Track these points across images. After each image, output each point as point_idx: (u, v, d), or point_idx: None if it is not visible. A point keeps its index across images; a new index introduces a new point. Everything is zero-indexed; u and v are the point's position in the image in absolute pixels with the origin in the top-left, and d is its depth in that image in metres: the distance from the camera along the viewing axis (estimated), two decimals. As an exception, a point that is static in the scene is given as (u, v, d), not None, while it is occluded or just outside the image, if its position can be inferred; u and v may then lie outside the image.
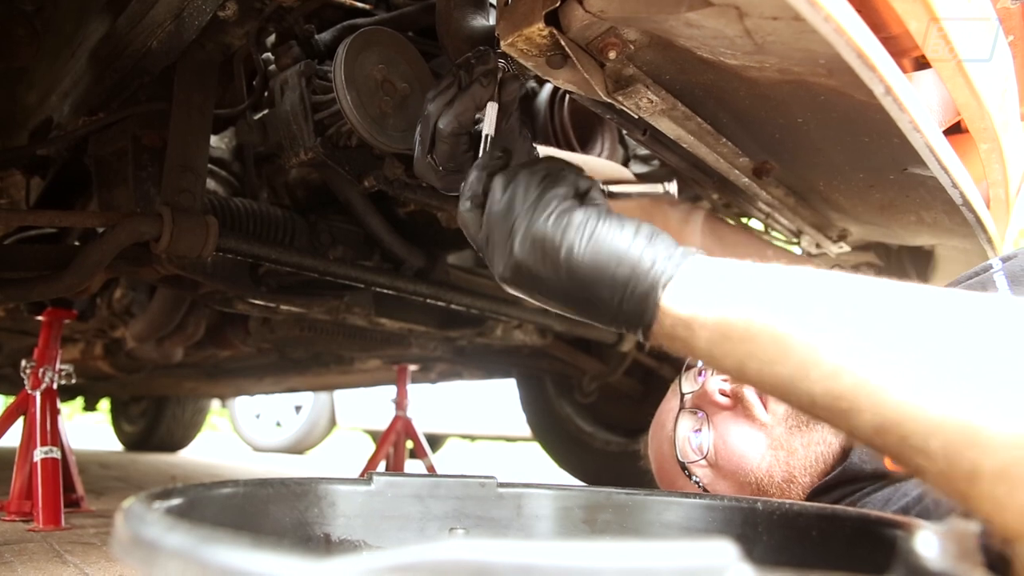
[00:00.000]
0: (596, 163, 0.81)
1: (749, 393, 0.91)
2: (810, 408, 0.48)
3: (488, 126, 0.73)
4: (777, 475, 0.88)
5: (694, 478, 0.93)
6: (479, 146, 0.73)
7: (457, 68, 0.74)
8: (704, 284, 0.54)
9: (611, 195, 0.78)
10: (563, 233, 0.59)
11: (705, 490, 0.92)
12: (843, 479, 0.85)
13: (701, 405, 0.96)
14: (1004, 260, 0.84)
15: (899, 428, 0.42)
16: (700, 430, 0.94)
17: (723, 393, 0.93)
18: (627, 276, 0.57)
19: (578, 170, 0.65)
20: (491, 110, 0.73)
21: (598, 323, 0.62)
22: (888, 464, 0.80)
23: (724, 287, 0.53)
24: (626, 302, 0.57)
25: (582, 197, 0.63)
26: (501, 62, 0.74)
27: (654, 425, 1.04)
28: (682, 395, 0.98)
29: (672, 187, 0.80)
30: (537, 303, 0.65)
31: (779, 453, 0.89)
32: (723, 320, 0.52)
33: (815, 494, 0.87)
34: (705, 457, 0.92)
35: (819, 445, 0.88)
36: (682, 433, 0.95)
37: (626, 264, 0.57)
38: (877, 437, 0.44)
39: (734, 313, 0.51)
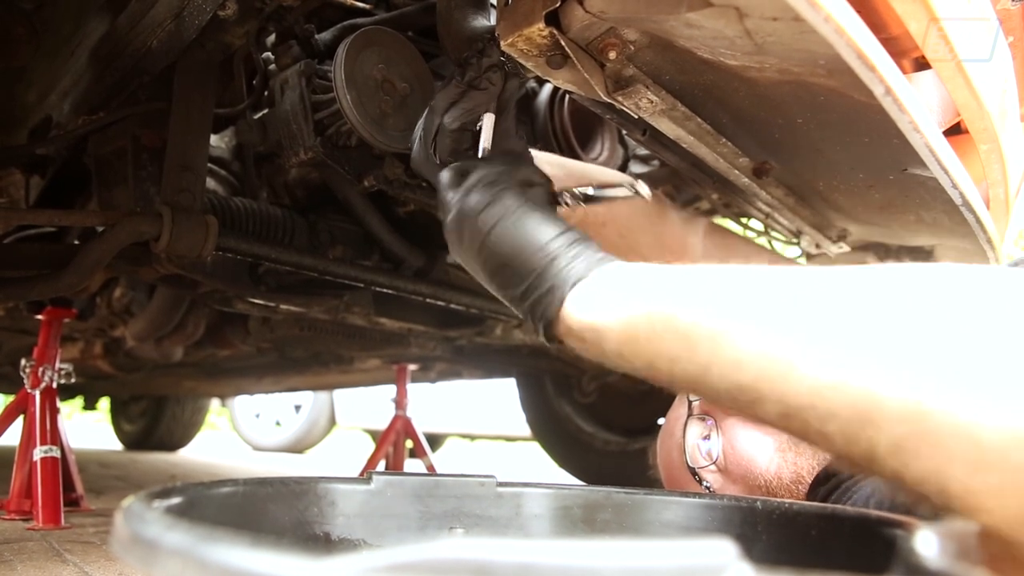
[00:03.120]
0: (594, 170, 0.81)
1: None
2: (720, 401, 0.49)
3: (485, 139, 0.73)
4: (786, 476, 0.89)
5: (705, 484, 0.94)
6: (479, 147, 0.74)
7: (464, 63, 0.75)
8: (615, 288, 0.55)
9: (588, 198, 0.79)
10: (491, 209, 0.62)
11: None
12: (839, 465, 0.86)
13: (709, 411, 0.97)
14: None
15: (800, 415, 0.43)
16: (709, 436, 0.95)
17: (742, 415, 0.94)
18: (539, 267, 0.58)
19: (537, 171, 0.68)
20: (488, 121, 0.73)
21: (511, 306, 0.63)
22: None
23: (633, 288, 0.54)
24: (533, 292, 0.59)
25: (527, 187, 0.65)
26: (503, 59, 0.74)
27: (662, 434, 1.05)
28: (690, 402, 0.99)
29: (643, 188, 0.80)
30: (468, 270, 0.68)
31: (787, 455, 0.89)
32: (630, 321, 0.52)
33: (815, 484, 0.88)
34: (715, 462, 0.93)
35: None
36: (691, 440, 0.96)
37: (541, 256, 0.59)
38: (782, 424, 0.45)
39: (640, 311, 0.52)
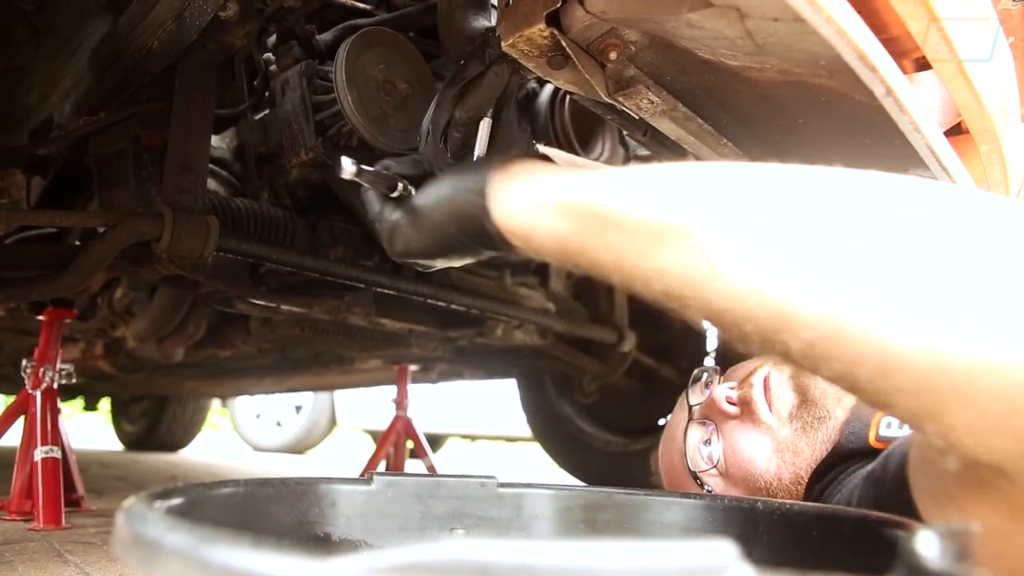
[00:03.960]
0: (595, 167, 0.81)
1: (756, 396, 0.93)
2: (654, 303, 0.50)
3: (480, 146, 0.74)
4: (785, 477, 0.89)
5: (707, 488, 0.94)
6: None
7: (467, 57, 0.75)
8: (543, 197, 0.56)
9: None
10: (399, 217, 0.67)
11: None
12: (834, 460, 0.86)
13: (709, 416, 0.97)
14: None
15: (720, 318, 0.45)
16: (709, 441, 0.95)
17: (730, 401, 0.94)
18: (454, 194, 0.61)
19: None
20: (484, 128, 0.74)
21: (465, 255, 0.65)
22: (871, 440, 0.82)
23: (560, 195, 0.55)
24: (467, 223, 0.60)
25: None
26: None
27: (663, 439, 1.05)
28: (690, 407, 0.99)
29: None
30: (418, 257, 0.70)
31: (786, 455, 0.90)
32: (558, 231, 0.54)
33: (811, 482, 0.88)
34: (716, 466, 0.93)
35: (824, 444, 0.89)
36: (692, 444, 0.96)
37: (449, 188, 0.61)
38: (707, 322, 0.48)
39: (567, 225, 0.53)
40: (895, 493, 0.63)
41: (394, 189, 0.67)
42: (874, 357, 0.39)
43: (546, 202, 0.55)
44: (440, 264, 0.69)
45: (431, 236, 0.64)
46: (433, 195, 0.64)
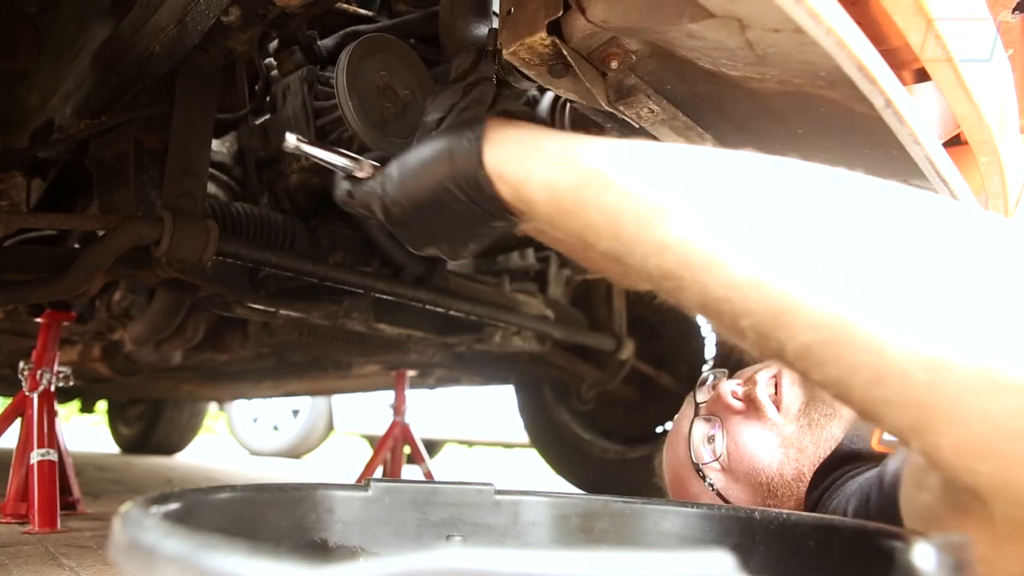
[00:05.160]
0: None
1: (761, 395, 0.93)
2: (642, 281, 0.49)
3: None
4: (787, 473, 0.90)
5: (708, 481, 0.94)
6: None
7: (454, 80, 0.75)
8: (546, 154, 0.54)
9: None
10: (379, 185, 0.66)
11: (719, 494, 0.93)
12: (836, 461, 0.87)
13: (715, 411, 0.98)
14: None
15: (716, 307, 0.44)
16: (714, 436, 0.96)
17: (735, 396, 0.95)
18: (448, 167, 0.58)
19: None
20: None
21: (466, 227, 0.62)
22: (874, 444, 0.82)
23: (563, 155, 0.53)
24: (464, 184, 0.58)
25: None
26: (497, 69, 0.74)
27: (669, 435, 1.07)
28: (696, 404, 1.01)
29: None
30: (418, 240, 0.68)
31: (789, 451, 0.90)
32: (557, 190, 0.52)
33: (810, 488, 0.89)
34: (718, 460, 0.94)
35: (828, 442, 0.90)
36: (696, 438, 0.97)
37: (435, 151, 0.60)
38: (699, 311, 0.46)
39: (568, 182, 0.51)
40: (885, 512, 0.63)
41: (357, 170, 0.67)
42: (870, 366, 0.38)
43: (546, 151, 0.53)
44: (438, 247, 0.67)
45: (421, 187, 0.61)
46: (425, 151, 0.62)
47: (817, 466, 0.89)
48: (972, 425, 0.36)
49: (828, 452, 0.89)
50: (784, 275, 0.41)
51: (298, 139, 0.68)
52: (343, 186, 0.71)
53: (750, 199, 0.44)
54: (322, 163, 0.74)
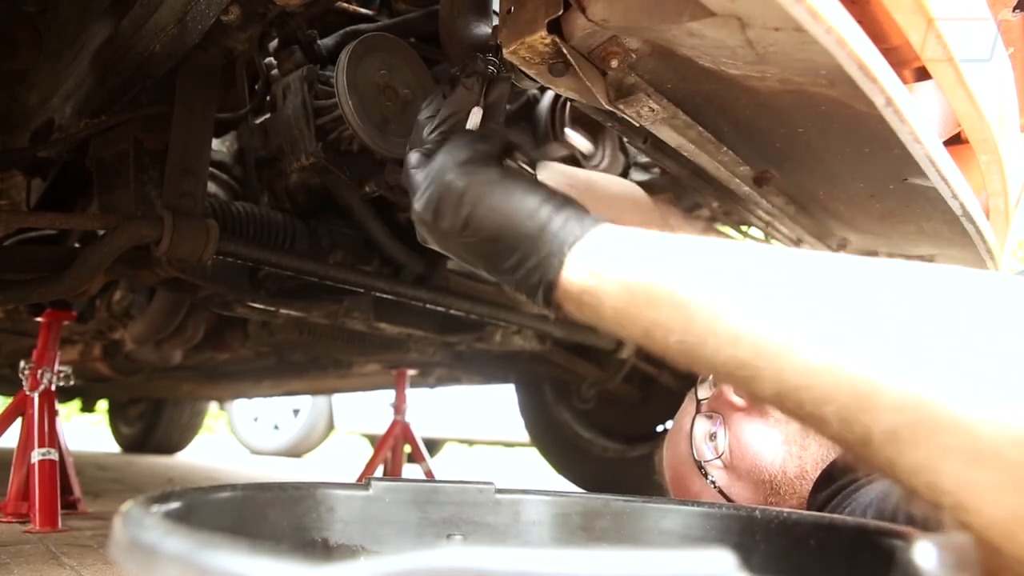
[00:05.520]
0: (597, 178, 0.81)
1: None
2: (716, 375, 0.48)
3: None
4: (790, 470, 0.89)
5: (710, 478, 0.94)
6: None
7: (451, 77, 0.75)
8: (612, 248, 0.53)
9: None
10: (473, 184, 0.60)
11: (721, 491, 0.93)
12: (842, 464, 0.87)
13: (717, 408, 0.98)
14: None
15: (795, 395, 0.43)
16: (716, 433, 0.95)
17: (738, 393, 0.95)
18: (532, 233, 0.57)
19: (506, 137, 0.67)
20: (475, 115, 0.74)
21: (502, 281, 0.61)
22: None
23: (632, 252, 0.52)
24: (528, 260, 0.57)
25: (504, 157, 0.64)
26: (491, 67, 0.74)
27: (670, 432, 1.06)
28: (698, 400, 1.00)
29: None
30: (448, 252, 0.66)
31: (792, 448, 0.90)
32: (627, 285, 0.51)
33: (815, 490, 0.88)
34: (720, 457, 0.94)
35: None
36: (698, 435, 0.96)
37: (532, 223, 0.57)
38: (777, 402, 0.45)
39: (639, 278, 0.51)
40: None
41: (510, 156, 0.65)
42: (963, 448, 0.36)
43: (617, 255, 0.53)
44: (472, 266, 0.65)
45: (486, 237, 0.60)
46: (517, 202, 0.59)
47: (821, 464, 0.89)
48: None
49: (832, 450, 0.89)
50: (861, 357, 0.40)
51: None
52: (413, 159, 0.67)
53: (817, 286, 0.44)
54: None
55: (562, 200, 0.59)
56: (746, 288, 0.46)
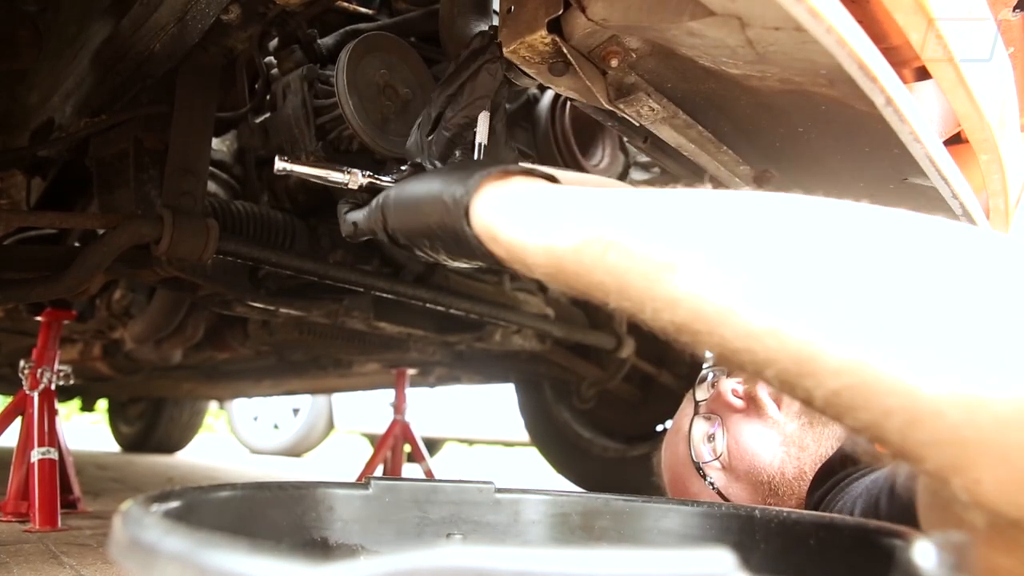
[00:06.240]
0: (593, 180, 0.81)
1: (762, 393, 0.93)
2: (660, 334, 0.47)
3: (481, 134, 0.74)
4: (789, 472, 0.89)
5: (708, 479, 0.94)
6: (474, 151, 0.74)
7: (464, 60, 0.75)
8: (541, 208, 0.53)
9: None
10: (385, 196, 0.69)
11: (719, 492, 0.93)
12: (836, 463, 0.87)
13: (715, 409, 0.97)
14: None
15: (736, 358, 0.43)
16: (714, 434, 0.95)
17: (736, 394, 0.95)
18: (440, 210, 0.59)
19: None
20: (483, 120, 0.74)
21: (461, 260, 0.64)
22: (878, 446, 0.81)
23: (560, 212, 0.51)
24: (447, 233, 0.59)
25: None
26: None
27: (668, 433, 1.06)
28: (696, 402, 1.00)
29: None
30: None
31: (791, 449, 0.90)
32: (554, 250, 0.50)
33: (811, 488, 0.88)
34: (719, 459, 0.94)
35: (830, 440, 0.89)
36: (696, 436, 0.96)
37: (435, 201, 0.60)
38: (720, 360, 0.45)
39: (566, 242, 0.50)
40: (897, 521, 0.63)
41: (350, 182, 0.73)
42: (903, 409, 0.37)
43: (540, 218, 0.52)
44: (440, 260, 0.67)
45: (415, 224, 0.64)
46: (422, 188, 0.63)
47: (819, 464, 0.89)
48: (1012, 460, 0.35)
49: (830, 450, 0.89)
50: (801, 320, 0.39)
51: (285, 161, 0.73)
52: (348, 220, 0.75)
53: (758, 242, 0.43)
54: (314, 180, 0.77)
55: (456, 167, 0.62)
56: (678, 247, 0.44)
